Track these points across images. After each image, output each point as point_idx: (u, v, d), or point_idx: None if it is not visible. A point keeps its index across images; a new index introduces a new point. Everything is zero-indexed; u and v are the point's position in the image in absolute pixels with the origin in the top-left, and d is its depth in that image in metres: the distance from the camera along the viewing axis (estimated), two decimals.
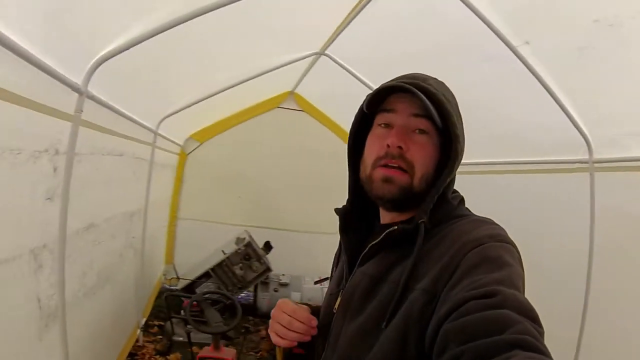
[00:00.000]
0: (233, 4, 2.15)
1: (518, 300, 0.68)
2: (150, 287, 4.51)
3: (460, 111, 0.98)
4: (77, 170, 2.18)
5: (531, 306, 0.68)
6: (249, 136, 5.51)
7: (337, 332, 0.97)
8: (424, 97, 0.87)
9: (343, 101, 4.01)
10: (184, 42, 2.52)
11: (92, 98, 1.99)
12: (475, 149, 2.93)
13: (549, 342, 0.64)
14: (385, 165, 0.92)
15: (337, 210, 1.09)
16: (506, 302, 0.67)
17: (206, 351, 3.17)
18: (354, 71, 3.69)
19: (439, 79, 1.00)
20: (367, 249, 0.97)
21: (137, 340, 3.72)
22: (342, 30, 3.11)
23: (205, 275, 5.13)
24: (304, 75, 4.58)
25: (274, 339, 1.00)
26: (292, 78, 4.83)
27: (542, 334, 0.64)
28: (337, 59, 3.65)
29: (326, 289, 1.30)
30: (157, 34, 1.99)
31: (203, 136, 5.47)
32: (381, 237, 0.92)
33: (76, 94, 1.85)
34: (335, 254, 1.24)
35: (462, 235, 0.84)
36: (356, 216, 1.08)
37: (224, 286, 4.78)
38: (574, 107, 2.55)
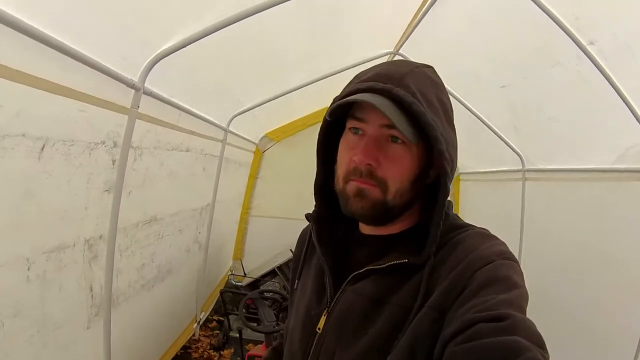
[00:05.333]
0: None
1: (528, 326, 0.66)
2: (215, 283, 4.59)
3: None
4: (139, 164, 2.23)
5: (539, 332, 0.66)
6: None
7: (329, 356, 0.88)
8: (396, 114, 0.79)
9: None
10: (252, 39, 2.50)
11: (150, 94, 2.01)
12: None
13: None
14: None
15: (308, 217, 1.01)
16: (516, 328, 0.64)
17: (257, 349, 3.14)
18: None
19: (425, 68, 0.89)
20: (363, 270, 0.88)
21: (193, 334, 3.78)
22: (413, 29, 3.01)
23: (271, 274, 5.16)
24: None
25: None
26: None
27: (547, 359, 0.62)
28: (411, 59, 3.46)
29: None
30: (218, 29, 1.96)
31: (278, 135, 5.49)
32: (385, 266, 0.85)
33: (133, 91, 1.87)
34: (296, 259, 1.14)
35: (469, 252, 0.80)
36: (329, 221, 1.00)
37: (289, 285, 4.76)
38: None
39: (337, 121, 0.90)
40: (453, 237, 0.86)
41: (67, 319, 1.77)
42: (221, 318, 4.46)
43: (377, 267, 0.86)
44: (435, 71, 0.91)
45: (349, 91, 0.85)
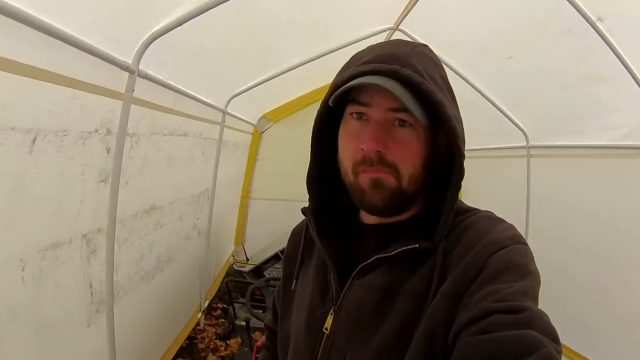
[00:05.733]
0: None
1: (543, 320, 0.65)
2: (217, 269, 4.53)
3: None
4: (135, 151, 2.12)
5: (553, 326, 0.65)
6: None
7: (341, 357, 0.83)
8: (406, 96, 0.74)
9: None
10: (248, 16, 2.38)
11: (146, 77, 1.89)
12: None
13: None
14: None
15: (305, 211, 0.96)
16: (532, 321, 0.63)
17: None
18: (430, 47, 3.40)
19: (423, 47, 0.85)
20: (371, 260, 0.84)
21: (197, 324, 3.72)
22: (414, 4, 2.89)
23: (275, 258, 5.09)
24: None
25: None
26: None
27: (560, 353, 0.61)
28: (412, 35, 3.37)
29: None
30: (214, 7, 1.84)
31: (277, 115, 5.36)
32: (394, 253, 0.81)
33: (127, 73, 1.75)
34: (291, 259, 1.06)
35: (481, 235, 0.78)
36: (327, 213, 0.95)
37: None
38: None
39: (330, 107, 0.84)
40: (462, 221, 0.84)
41: (65, 318, 1.69)
42: (226, 306, 4.40)
43: (385, 255, 0.82)
44: (431, 50, 0.87)
45: (350, 74, 0.78)
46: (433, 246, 0.79)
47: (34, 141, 1.32)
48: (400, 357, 0.75)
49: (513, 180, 4.05)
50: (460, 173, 0.81)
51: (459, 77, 3.53)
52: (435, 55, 0.86)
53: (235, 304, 4.08)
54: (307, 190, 0.95)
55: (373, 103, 0.79)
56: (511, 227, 0.82)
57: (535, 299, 0.69)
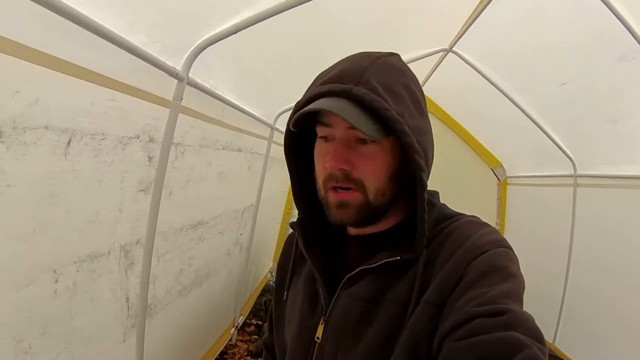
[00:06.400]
0: None
1: (527, 321, 0.66)
2: (254, 285, 4.47)
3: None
4: (181, 162, 2.06)
5: (537, 327, 0.66)
6: None
7: None
8: (355, 115, 0.76)
9: (467, 101, 4.18)
10: (301, 30, 2.32)
11: (195, 85, 1.82)
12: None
13: None
14: (335, 188, 0.83)
15: (292, 225, 0.99)
16: (515, 323, 0.65)
17: None
18: (482, 70, 3.38)
19: (389, 57, 0.85)
20: (355, 271, 0.87)
21: (230, 339, 3.65)
22: (470, 25, 2.85)
23: None
24: (430, 74, 4.22)
25: None
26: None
27: (546, 354, 0.62)
28: (466, 56, 3.34)
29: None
30: (271, 16, 1.77)
31: None
32: (376, 265, 0.84)
33: (175, 81, 1.69)
34: (283, 269, 1.09)
35: (463, 241, 0.80)
36: (315, 226, 0.97)
37: None
38: None
39: (308, 125, 0.87)
40: (444, 228, 0.86)
41: (100, 333, 1.62)
42: (260, 322, 4.37)
43: (368, 266, 0.85)
44: (400, 58, 0.89)
45: (309, 96, 0.82)
46: (414, 257, 0.81)
47: (69, 143, 1.25)
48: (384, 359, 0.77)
49: (558, 209, 3.92)
50: (422, 186, 0.81)
51: (509, 100, 3.49)
52: (404, 64, 0.87)
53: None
54: (295, 204, 0.99)
55: (334, 123, 0.82)
56: (494, 231, 0.84)
57: (519, 301, 0.71)
